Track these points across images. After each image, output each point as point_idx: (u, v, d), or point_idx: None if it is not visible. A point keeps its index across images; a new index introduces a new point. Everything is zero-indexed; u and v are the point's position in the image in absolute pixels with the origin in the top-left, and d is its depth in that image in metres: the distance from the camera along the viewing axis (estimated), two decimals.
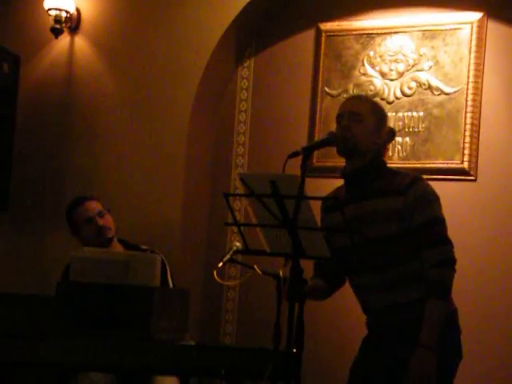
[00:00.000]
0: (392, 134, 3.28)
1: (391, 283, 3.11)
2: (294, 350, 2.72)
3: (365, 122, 3.14)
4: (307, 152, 2.89)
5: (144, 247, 4.31)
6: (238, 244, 3.26)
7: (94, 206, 4.19)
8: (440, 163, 4.57)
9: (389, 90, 4.69)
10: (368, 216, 3.10)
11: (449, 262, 3.07)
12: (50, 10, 5.12)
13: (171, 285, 4.22)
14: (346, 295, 3.32)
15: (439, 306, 3.04)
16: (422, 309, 3.04)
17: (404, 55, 4.71)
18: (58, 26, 5.12)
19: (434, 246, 3.06)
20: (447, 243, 3.10)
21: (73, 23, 5.22)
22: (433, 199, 3.12)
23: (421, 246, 3.07)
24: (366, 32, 4.80)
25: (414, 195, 3.07)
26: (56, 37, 5.16)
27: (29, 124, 5.31)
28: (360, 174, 3.17)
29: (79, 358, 3.13)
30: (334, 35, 4.89)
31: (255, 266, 3.11)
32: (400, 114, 4.68)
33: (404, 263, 3.09)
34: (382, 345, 3.15)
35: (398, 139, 4.63)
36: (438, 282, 3.04)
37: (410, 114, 4.64)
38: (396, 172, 3.22)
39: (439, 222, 3.11)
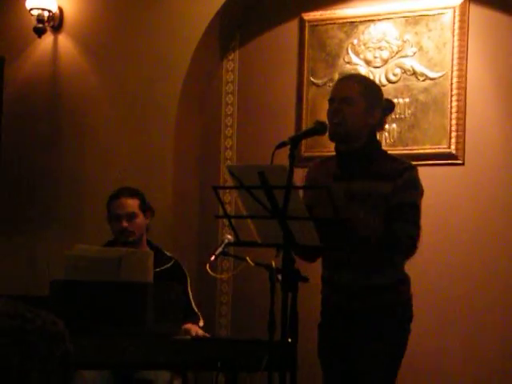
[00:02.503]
0: (389, 106, 3.31)
1: (365, 263, 3.15)
2: (289, 340, 2.73)
3: (355, 104, 3.15)
4: (294, 142, 2.88)
5: (168, 253, 4.24)
6: (229, 237, 3.26)
7: (129, 204, 4.09)
8: (427, 148, 4.58)
9: (374, 77, 4.70)
10: (358, 197, 3.11)
11: (414, 241, 3.09)
12: (32, 9, 5.10)
13: (191, 295, 4.16)
14: None
15: (389, 234, 3.06)
16: (391, 296, 3.13)
17: (388, 42, 4.72)
18: (40, 26, 5.10)
19: (407, 223, 3.10)
20: (418, 228, 3.13)
21: (56, 22, 5.20)
22: (418, 189, 3.18)
23: (393, 220, 3.09)
24: (349, 20, 4.80)
25: (402, 180, 3.12)
26: (39, 36, 5.15)
27: (15, 124, 5.30)
28: (354, 157, 3.18)
29: (74, 355, 3.12)
30: (317, 25, 4.89)
31: (247, 258, 3.11)
32: None
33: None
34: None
35: (385, 126, 4.64)
36: (403, 237, 3.08)
37: (395, 100, 4.62)
38: (392, 157, 3.25)
39: (416, 209, 3.14)
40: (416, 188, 3.17)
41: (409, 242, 3.08)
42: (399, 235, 3.07)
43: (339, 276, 3.21)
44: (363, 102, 3.17)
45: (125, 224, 4.05)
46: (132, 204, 4.10)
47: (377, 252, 3.10)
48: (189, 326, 3.82)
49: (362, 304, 3.16)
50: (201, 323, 4.05)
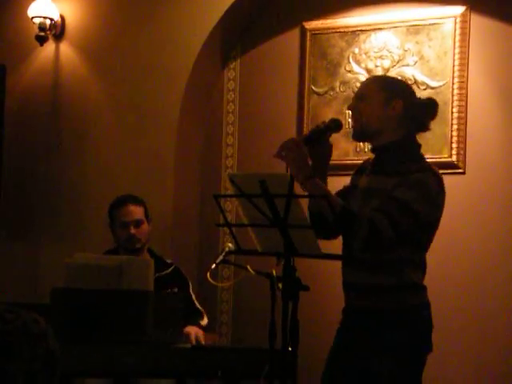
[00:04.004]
0: (429, 105, 3.17)
1: (371, 265, 3.08)
2: (290, 349, 2.72)
3: (370, 99, 3.11)
4: (310, 140, 2.98)
5: (169, 261, 4.25)
6: (230, 245, 3.26)
7: (136, 211, 4.10)
8: (428, 158, 4.39)
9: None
10: (370, 191, 3.07)
11: (376, 230, 2.90)
12: (34, 17, 5.11)
13: (193, 296, 4.17)
14: (340, 292, 3.32)
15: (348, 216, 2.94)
16: (397, 298, 3.06)
17: (389, 51, 4.71)
18: (42, 34, 5.10)
19: (379, 212, 2.93)
20: (395, 225, 2.92)
21: (57, 30, 5.20)
22: (420, 193, 2.97)
23: (373, 208, 2.97)
24: (351, 29, 4.81)
25: (409, 178, 2.98)
26: (41, 44, 5.15)
27: (17, 132, 5.30)
28: (385, 152, 3.11)
29: (75, 364, 3.11)
30: (318, 33, 4.89)
31: (248, 267, 3.07)
32: None
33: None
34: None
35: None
36: (363, 220, 2.92)
37: None
38: (420, 159, 3.14)
39: (404, 208, 2.94)
40: (419, 189, 2.96)
41: (365, 226, 2.89)
42: (358, 216, 2.93)
43: (347, 274, 3.18)
44: (378, 96, 3.10)
45: (133, 231, 4.05)
46: (139, 211, 4.12)
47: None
48: (188, 329, 3.81)
49: (369, 303, 3.11)
50: (204, 321, 4.04)
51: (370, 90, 3.15)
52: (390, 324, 3.08)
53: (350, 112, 3.22)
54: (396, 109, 3.09)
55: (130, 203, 4.11)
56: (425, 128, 3.17)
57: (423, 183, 3.00)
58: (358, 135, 3.19)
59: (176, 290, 4.05)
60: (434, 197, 3.04)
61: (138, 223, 4.08)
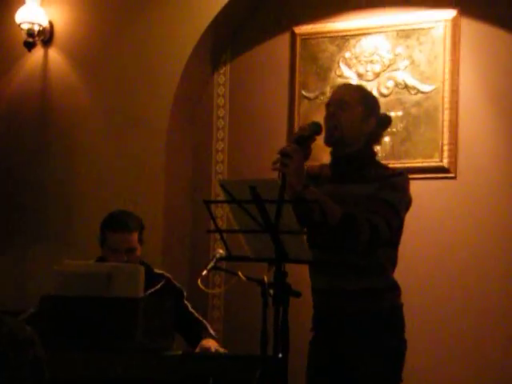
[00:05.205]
0: (385, 120, 3.31)
1: (354, 267, 3.12)
2: (280, 355, 2.70)
3: (351, 110, 3.16)
4: (300, 143, 2.98)
5: (157, 271, 4.14)
6: (221, 251, 3.25)
7: (130, 240, 3.88)
8: (420, 162, 4.57)
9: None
10: (342, 198, 3.08)
11: (376, 232, 2.99)
12: (21, 23, 5.08)
13: (189, 307, 4.08)
14: None
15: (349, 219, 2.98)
16: (379, 301, 3.10)
17: (379, 55, 4.72)
18: (30, 40, 5.08)
19: (375, 214, 3.01)
20: (389, 226, 3.03)
21: (46, 36, 5.18)
22: (401, 193, 3.11)
23: (363, 210, 3.02)
24: (341, 34, 4.81)
25: (388, 182, 3.10)
26: (29, 50, 5.12)
27: (5, 139, 5.28)
28: (346, 162, 3.19)
29: (65, 372, 3.04)
30: (308, 38, 4.89)
31: (239, 273, 3.07)
32: None
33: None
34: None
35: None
36: (364, 222, 2.98)
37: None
38: (384, 166, 3.25)
39: (392, 209, 3.06)
40: (400, 191, 3.11)
41: (367, 230, 2.98)
42: (360, 220, 2.99)
43: (327, 280, 3.20)
44: (359, 109, 3.17)
45: (125, 258, 3.87)
46: (133, 239, 3.90)
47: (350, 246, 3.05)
48: (206, 343, 3.72)
49: (352, 308, 3.15)
50: (211, 331, 3.97)
51: (352, 100, 3.18)
52: (380, 326, 3.13)
53: (328, 115, 3.20)
54: (370, 125, 3.20)
55: (124, 231, 3.88)
56: (380, 142, 3.37)
57: (402, 186, 3.14)
58: (334, 141, 3.19)
59: (170, 302, 3.96)
60: (410, 199, 3.17)
61: (131, 250, 3.89)
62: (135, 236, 3.90)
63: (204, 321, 4.02)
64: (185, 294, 4.03)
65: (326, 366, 3.22)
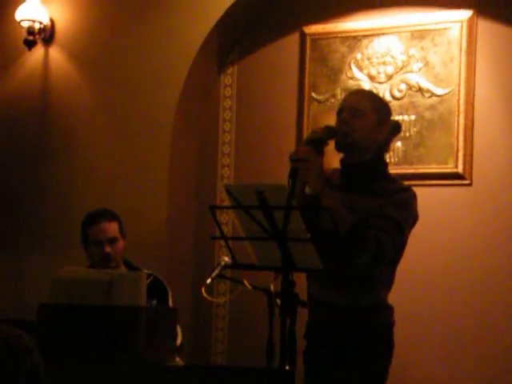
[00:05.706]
0: (396, 127, 3.31)
1: (347, 281, 3.11)
2: (287, 368, 2.66)
3: (365, 117, 3.16)
4: (316, 144, 2.98)
5: (147, 271, 4.12)
6: (226, 259, 3.27)
7: (110, 228, 3.95)
8: (433, 168, 4.57)
9: (378, 93, 4.60)
10: (347, 208, 3.05)
11: (382, 249, 2.99)
12: (22, 21, 5.08)
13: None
14: None
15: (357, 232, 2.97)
16: (374, 318, 3.11)
17: (392, 57, 4.69)
18: (31, 38, 5.08)
19: (382, 231, 3.01)
20: (394, 246, 3.04)
21: (47, 34, 5.18)
22: (407, 211, 3.11)
23: (370, 226, 3.02)
24: (352, 34, 4.79)
25: (394, 198, 3.10)
26: (29, 49, 5.12)
27: (5, 139, 5.28)
28: (358, 170, 3.18)
29: (64, 382, 2.99)
30: (319, 38, 4.87)
31: (245, 281, 3.09)
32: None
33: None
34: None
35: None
36: (371, 239, 2.98)
37: (400, 117, 4.58)
38: (393, 179, 3.23)
39: (398, 227, 3.06)
40: (405, 209, 3.11)
41: (373, 247, 2.98)
42: (368, 236, 2.99)
43: (326, 294, 3.19)
44: (373, 116, 3.17)
45: (108, 249, 3.93)
46: (113, 228, 3.97)
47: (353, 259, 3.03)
48: None
49: (347, 323, 3.15)
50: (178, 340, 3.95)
51: (365, 107, 3.18)
52: (367, 345, 3.13)
53: (340, 122, 3.17)
54: (383, 134, 3.20)
55: (103, 220, 3.96)
56: (389, 149, 3.35)
57: (408, 203, 3.14)
58: (345, 147, 3.17)
59: (155, 301, 3.91)
60: (415, 217, 3.17)
61: (112, 241, 3.94)
62: (115, 225, 3.96)
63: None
64: (170, 294, 4.04)
65: (321, 372, 3.21)
